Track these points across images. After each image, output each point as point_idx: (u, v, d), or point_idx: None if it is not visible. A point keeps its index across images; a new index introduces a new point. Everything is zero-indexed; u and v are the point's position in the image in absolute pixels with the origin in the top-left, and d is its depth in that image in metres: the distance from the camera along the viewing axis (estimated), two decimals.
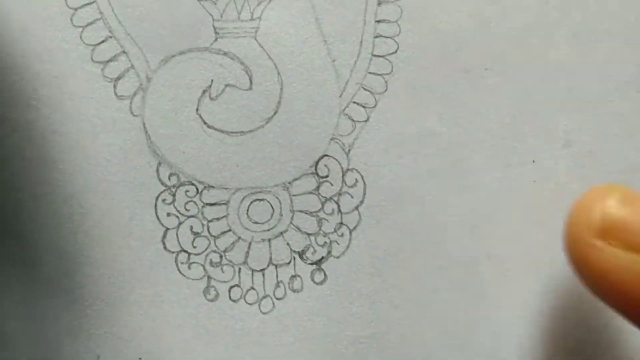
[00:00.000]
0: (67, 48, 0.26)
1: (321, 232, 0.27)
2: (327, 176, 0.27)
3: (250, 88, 0.26)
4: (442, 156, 0.27)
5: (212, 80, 0.26)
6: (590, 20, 0.27)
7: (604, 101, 0.27)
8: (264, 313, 0.26)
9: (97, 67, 0.26)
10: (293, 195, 0.26)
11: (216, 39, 0.26)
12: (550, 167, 0.27)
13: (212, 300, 0.26)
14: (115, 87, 0.26)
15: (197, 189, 0.26)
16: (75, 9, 0.26)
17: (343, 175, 0.27)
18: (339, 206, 0.27)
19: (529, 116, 0.27)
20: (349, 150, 0.27)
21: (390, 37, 0.27)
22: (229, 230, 0.27)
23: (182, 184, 0.26)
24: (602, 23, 0.27)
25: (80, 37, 0.26)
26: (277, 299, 0.27)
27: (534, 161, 0.27)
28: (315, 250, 0.27)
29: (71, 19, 0.26)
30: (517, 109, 0.27)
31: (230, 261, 0.27)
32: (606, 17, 0.27)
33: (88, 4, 0.26)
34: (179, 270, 0.26)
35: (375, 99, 0.27)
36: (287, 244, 0.27)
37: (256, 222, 0.27)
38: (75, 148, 0.26)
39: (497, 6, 0.27)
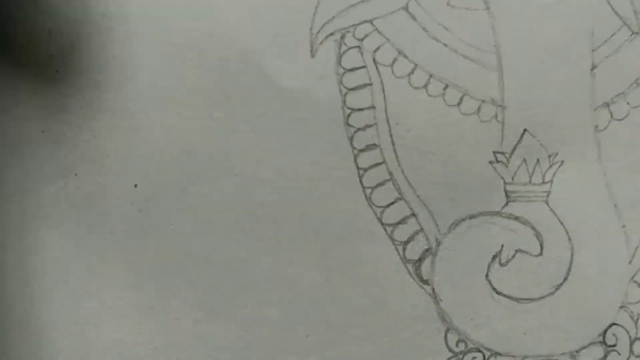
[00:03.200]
0: (354, 209, 0.26)
1: None
2: (614, 345, 0.26)
3: (541, 254, 0.26)
4: None
5: (502, 245, 0.26)
6: None
7: None
8: None
9: (386, 230, 0.26)
10: None
11: (507, 203, 0.26)
12: None
13: None
14: (404, 250, 0.26)
15: (484, 356, 0.26)
16: (365, 169, 0.26)
17: (631, 345, 0.26)
18: None
19: None
20: (637, 319, 0.26)
21: None
22: None
23: (469, 351, 0.26)
24: None
25: (369, 199, 0.26)
26: None
27: None
28: None
29: (360, 180, 0.26)
30: None
31: None
32: None
33: (378, 164, 0.26)
34: None
35: None
36: None
37: None
38: (364, 311, 0.25)
39: None
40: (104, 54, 0.25)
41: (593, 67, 0.26)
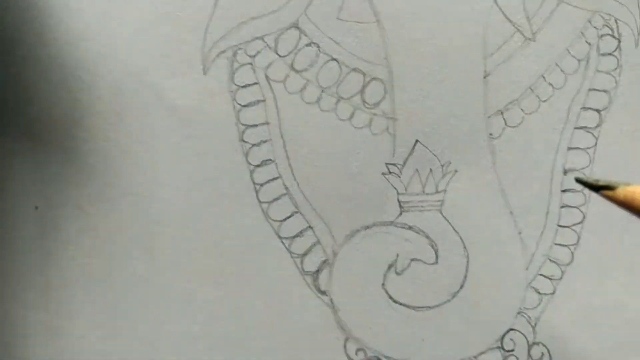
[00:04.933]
0: (251, 224, 0.26)
1: None
2: (512, 350, 0.26)
3: (436, 262, 0.26)
4: (630, 329, 0.26)
5: (397, 255, 0.26)
6: None
7: None
8: None
9: (283, 243, 0.26)
10: None
11: (401, 213, 0.26)
12: None
13: None
14: (302, 262, 0.26)
15: None
16: (261, 185, 0.26)
17: (529, 349, 0.26)
18: None
19: None
20: (535, 324, 0.26)
21: (577, 207, 0.26)
22: None
23: (368, 359, 0.26)
24: None
25: (266, 213, 0.26)
26: None
27: None
28: None
29: (257, 195, 0.26)
30: None
31: None
32: None
33: (273, 179, 0.26)
34: None
35: (562, 271, 0.26)
36: None
37: None
38: (265, 324, 0.26)
39: None
40: None
41: (486, 75, 0.26)
